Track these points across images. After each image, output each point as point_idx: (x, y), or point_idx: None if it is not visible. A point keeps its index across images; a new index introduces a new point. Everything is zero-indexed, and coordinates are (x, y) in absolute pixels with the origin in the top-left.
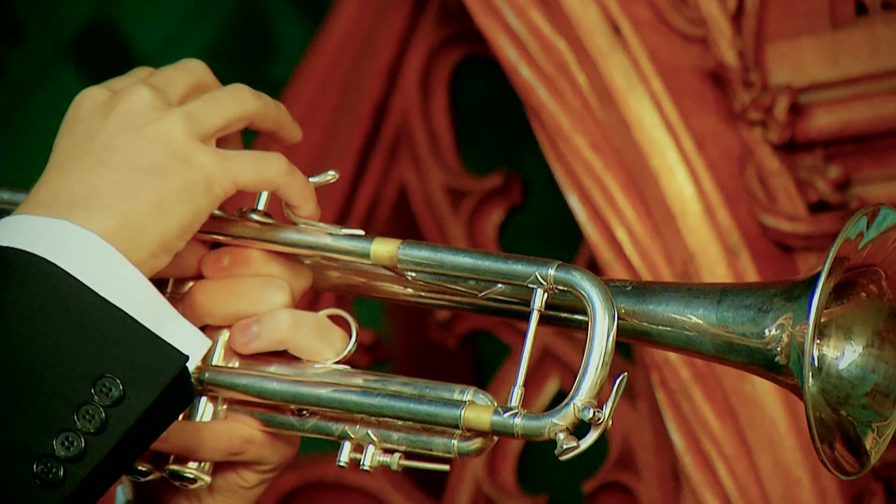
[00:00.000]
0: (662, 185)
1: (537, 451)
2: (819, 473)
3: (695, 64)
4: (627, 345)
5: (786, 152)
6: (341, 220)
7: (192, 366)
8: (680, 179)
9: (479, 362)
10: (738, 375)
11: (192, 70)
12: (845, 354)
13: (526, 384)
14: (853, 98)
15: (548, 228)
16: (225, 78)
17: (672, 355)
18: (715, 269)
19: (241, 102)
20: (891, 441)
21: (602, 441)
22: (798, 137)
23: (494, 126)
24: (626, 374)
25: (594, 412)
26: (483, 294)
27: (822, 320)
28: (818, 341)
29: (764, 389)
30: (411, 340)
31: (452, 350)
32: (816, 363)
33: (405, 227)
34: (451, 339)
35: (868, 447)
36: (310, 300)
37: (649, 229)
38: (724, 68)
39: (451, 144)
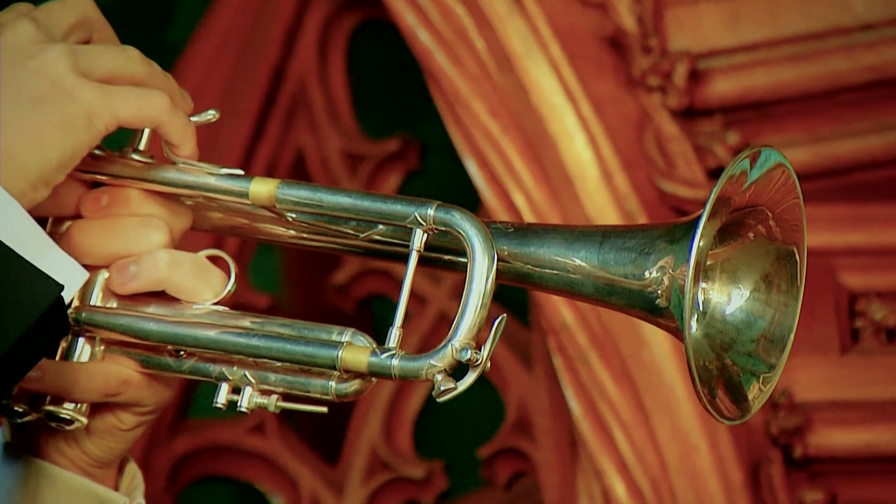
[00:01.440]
0: (561, 151)
1: (433, 417)
2: (717, 440)
3: (593, 29)
4: (524, 310)
5: (684, 118)
6: None
7: (68, 296)
8: (578, 145)
9: (376, 326)
10: (636, 341)
11: (76, 5)
12: (732, 299)
13: (421, 350)
14: (753, 64)
15: (445, 193)
16: (121, 41)
17: (570, 320)
18: None
19: (129, 60)
20: (789, 408)
21: (499, 407)
22: (697, 103)
23: (392, 91)
24: (504, 315)
25: (472, 353)
26: (364, 235)
27: (708, 263)
28: (703, 285)
29: (662, 355)
30: (308, 304)
31: (349, 314)
32: (702, 307)
33: None
34: (348, 303)
35: (751, 397)
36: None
37: (547, 195)
38: (623, 34)
39: (349, 109)
